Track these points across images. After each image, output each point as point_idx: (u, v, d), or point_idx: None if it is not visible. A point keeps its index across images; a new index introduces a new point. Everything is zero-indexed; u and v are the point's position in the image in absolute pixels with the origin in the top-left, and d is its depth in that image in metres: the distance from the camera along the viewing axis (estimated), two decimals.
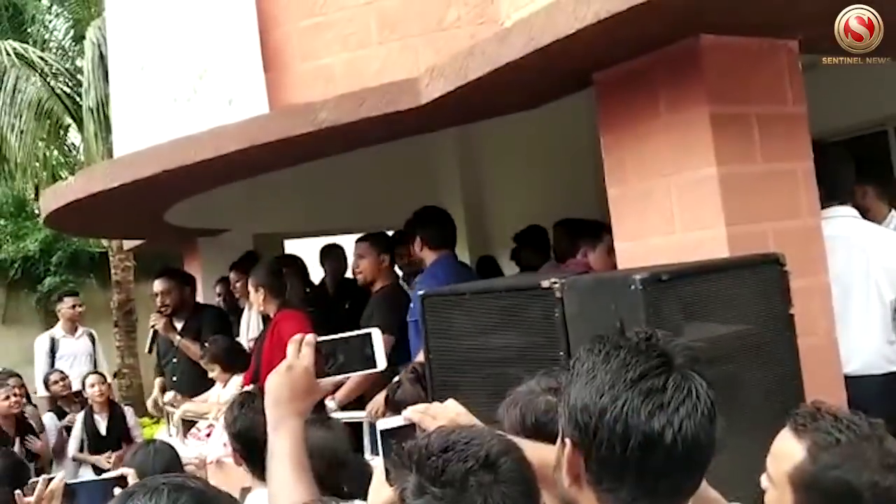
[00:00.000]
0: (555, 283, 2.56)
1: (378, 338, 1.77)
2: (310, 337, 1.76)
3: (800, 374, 2.54)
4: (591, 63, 3.24)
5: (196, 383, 5.58)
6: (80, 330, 7.38)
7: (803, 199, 3.18)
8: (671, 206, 3.11)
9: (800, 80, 3.20)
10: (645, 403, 1.18)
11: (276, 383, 1.72)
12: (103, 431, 6.46)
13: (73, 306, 7.28)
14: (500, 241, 5.92)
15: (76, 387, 6.81)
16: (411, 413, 1.65)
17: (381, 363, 1.77)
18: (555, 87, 3.56)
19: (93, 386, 6.51)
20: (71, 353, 7.16)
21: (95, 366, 7.20)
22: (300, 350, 1.74)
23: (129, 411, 6.93)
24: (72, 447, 6.42)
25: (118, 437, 6.48)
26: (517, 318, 2.68)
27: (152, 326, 5.82)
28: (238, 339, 5.92)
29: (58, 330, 7.30)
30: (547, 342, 2.55)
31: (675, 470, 1.20)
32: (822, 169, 3.20)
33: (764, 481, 1.80)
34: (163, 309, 5.79)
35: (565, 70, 3.26)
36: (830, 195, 3.26)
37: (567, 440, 1.26)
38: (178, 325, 5.86)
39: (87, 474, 6.08)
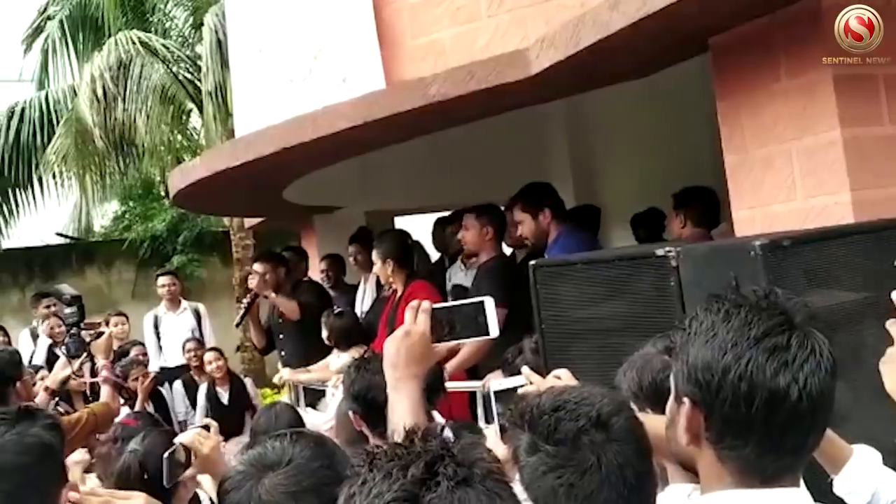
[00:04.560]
0: (670, 251, 2.52)
1: (491, 306, 1.80)
2: (426, 304, 1.80)
3: None
4: (707, 27, 3.16)
5: (303, 355, 5.78)
6: (183, 305, 7.70)
7: None
8: (792, 172, 3.02)
9: None
10: (770, 361, 1.18)
11: (393, 347, 1.78)
12: (225, 402, 6.80)
13: (163, 286, 7.62)
14: (611, 214, 5.84)
15: (175, 359, 7.16)
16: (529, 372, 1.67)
17: (494, 331, 1.80)
18: (668, 53, 3.48)
19: (210, 363, 6.87)
20: (172, 328, 7.52)
21: (202, 339, 7.49)
22: (416, 317, 1.78)
23: (248, 382, 7.27)
24: (198, 417, 6.75)
25: (241, 407, 6.79)
26: (630, 287, 2.65)
27: (243, 303, 6.10)
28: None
29: (161, 307, 7.67)
30: (661, 311, 2.52)
31: (800, 426, 1.21)
32: None
33: None
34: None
35: (679, 35, 3.19)
36: None
37: (686, 399, 1.26)
38: None
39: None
